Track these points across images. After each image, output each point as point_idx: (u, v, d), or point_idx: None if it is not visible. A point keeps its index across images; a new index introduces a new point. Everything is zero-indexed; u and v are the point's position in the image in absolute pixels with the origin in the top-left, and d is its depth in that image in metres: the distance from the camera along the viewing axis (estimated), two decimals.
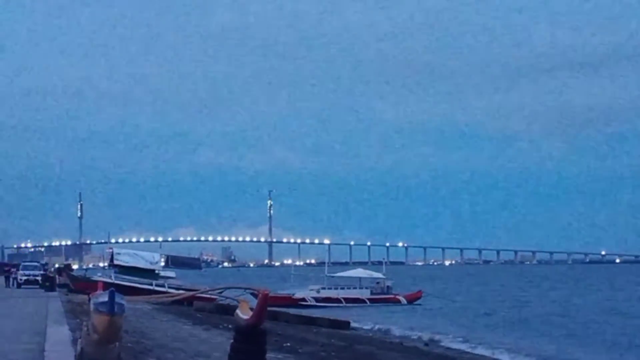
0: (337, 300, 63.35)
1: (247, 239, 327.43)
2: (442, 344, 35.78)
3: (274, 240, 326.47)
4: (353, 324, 41.13)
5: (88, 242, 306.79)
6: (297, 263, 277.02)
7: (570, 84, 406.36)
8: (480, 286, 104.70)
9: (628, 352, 35.10)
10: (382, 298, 65.43)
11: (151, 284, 51.78)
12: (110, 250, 58.34)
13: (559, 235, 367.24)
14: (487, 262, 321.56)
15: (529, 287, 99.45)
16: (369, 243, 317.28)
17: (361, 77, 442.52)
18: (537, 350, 34.31)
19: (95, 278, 53.24)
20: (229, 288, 53.64)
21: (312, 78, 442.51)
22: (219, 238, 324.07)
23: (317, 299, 63.30)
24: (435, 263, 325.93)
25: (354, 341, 30.63)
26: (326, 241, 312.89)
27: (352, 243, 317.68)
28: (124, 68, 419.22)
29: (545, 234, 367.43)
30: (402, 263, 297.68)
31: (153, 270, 53.46)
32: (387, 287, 67.63)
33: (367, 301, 64.31)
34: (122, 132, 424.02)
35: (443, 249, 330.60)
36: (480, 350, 33.59)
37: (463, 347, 34.96)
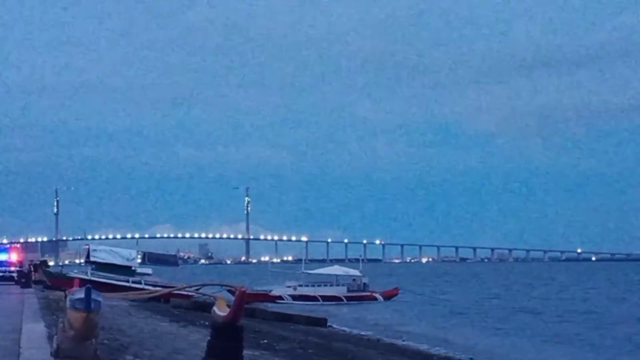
0: (314, 298, 63.36)
1: (224, 236, 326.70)
2: (419, 340, 35.86)
3: (251, 237, 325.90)
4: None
5: (64, 238, 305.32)
6: (274, 260, 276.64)
7: (549, 82, 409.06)
8: (456, 284, 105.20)
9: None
10: (358, 295, 65.49)
11: (128, 281, 51.59)
12: (87, 247, 58.09)
13: (535, 233, 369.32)
14: (463, 259, 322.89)
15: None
16: (346, 240, 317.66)
17: (339, 74, 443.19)
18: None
19: (72, 275, 53.01)
20: (206, 285, 53.56)
21: (290, 75, 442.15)
22: (195, 235, 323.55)
23: (293, 297, 63.32)
24: (412, 260, 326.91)
25: (331, 338, 30.68)
26: (303, 238, 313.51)
27: (329, 240, 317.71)
28: (100, 63, 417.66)
29: (521, 231, 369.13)
30: (379, 260, 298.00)
31: (130, 267, 53.26)
32: (364, 284, 67.71)
33: (344, 299, 64.34)
34: (99, 128, 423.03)
35: (420, 246, 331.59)
36: (456, 349, 33.72)
37: (439, 344, 35.08)
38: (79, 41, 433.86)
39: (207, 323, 23.07)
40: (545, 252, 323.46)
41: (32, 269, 58.17)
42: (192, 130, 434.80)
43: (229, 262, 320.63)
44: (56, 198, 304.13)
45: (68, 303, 11.24)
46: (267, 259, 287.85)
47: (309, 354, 23.39)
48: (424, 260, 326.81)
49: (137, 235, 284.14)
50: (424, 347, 33.57)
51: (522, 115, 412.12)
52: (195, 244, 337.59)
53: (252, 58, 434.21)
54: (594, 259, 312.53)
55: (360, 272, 69.34)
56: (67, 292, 12.99)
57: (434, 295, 73.53)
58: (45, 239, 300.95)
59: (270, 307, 48.30)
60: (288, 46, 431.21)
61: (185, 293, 48.39)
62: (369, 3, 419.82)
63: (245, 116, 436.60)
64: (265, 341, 24.43)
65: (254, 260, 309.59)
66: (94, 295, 10.72)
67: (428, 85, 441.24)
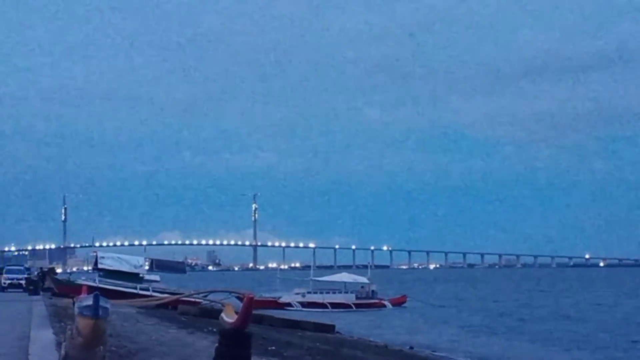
0: (323, 305, 63.30)
1: (232, 242, 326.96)
2: (427, 348, 35.81)
3: (259, 243, 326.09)
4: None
5: (72, 245, 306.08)
6: (282, 267, 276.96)
7: (556, 88, 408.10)
8: (463, 291, 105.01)
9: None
10: (367, 303, 65.42)
11: (135, 288, 51.60)
12: (95, 254, 58.12)
13: (543, 239, 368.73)
14: (471, 265, 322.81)
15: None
16: (353, 247, 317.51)
17: (347, 81, 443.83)
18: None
19: (80, 282, 53.04)
20: (214, 292, 53.47)
21: (298, 81, 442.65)
22: (203, 242, 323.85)
23: (302, 304, 63.28)
24: (420, 266, 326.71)
25: (340, 345, 30.60)
26: (311, 245, 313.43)
27: (337, 247, 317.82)
28: (108, 70, 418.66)
29: (529, 237, 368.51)
30: (387, 267, 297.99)
31: (137, 274, 53.28)
32: (372, 291, 67.66)
33: (353, 306, 64.28)
34: (107, 135, 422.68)
35: (427, 252, 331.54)
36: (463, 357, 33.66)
37: (447, 351, 35.01)
38: (88, 48, 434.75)
39: (215, 330, 23.04)
40: (552, 257, 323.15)
41: (42, 276, 58.24)
42: (199, 137, 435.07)
43: (236, 268, 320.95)
44: (64, 205, 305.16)
45: (76, 310, 11.22)
46: (274, 265, 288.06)
47: None
48: (432, 266, 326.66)
49: (144, 242, 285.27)
50: (432, 353, 33.53)
51: (529, 121, 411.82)
52: (203, 251, 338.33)
53: (261, 65, 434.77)
54: (602, 264, 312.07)
55: (369, 279, 69.31)
56: (75, 299, 12.96)
57: (443, 303, 73.37)
58: (53, 246, 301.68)
59: (279, 313, 48.24)
60: (296, 54, 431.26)
61: (193, 300, 48.32)
62: (377, 11, 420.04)
63: (253, 123, 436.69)
64: (273, 348, 24.36)
65: (262, 267, 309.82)
66: (102, 302, 10.69)
67: (435, 91, 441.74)
